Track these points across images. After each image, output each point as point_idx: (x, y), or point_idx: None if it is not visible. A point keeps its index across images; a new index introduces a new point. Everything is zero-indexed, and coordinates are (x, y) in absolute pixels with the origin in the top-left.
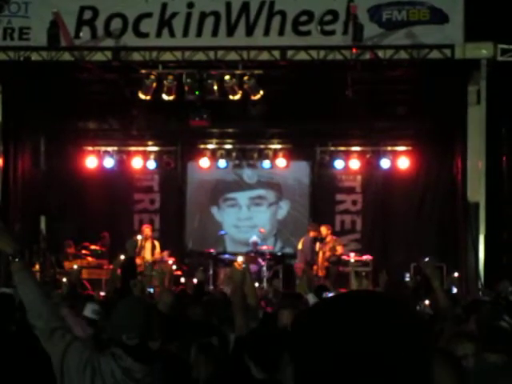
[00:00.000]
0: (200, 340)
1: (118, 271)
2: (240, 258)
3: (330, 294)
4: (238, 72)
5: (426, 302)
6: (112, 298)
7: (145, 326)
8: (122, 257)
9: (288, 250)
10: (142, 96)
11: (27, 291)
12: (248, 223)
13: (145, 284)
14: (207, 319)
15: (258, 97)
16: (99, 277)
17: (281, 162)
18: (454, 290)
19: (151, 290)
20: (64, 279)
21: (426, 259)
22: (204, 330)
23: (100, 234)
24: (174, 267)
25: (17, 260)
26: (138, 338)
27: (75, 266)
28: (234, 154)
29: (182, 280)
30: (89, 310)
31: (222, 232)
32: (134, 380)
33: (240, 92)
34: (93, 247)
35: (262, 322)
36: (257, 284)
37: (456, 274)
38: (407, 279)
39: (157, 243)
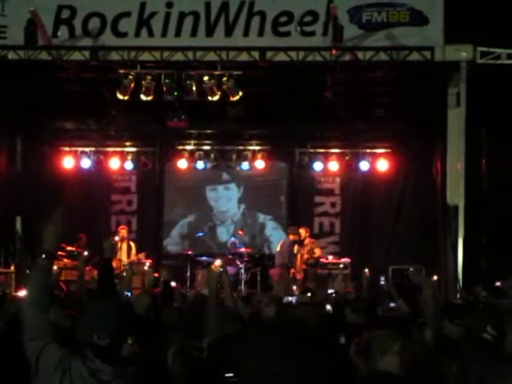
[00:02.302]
0: (176, 343)
1: (94, 272)
2: (217, 261)
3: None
4: (216, 73)
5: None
6: (84, 299)
7: (116, 326)
8: (86, 253)
9: (266, 252)
10: (120, 96)
11: (33, 290)
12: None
13: (123, 287)
14: (183, 322)
15: (236, 98)
16: (76, 278)
17: (259, 163)
18: None
19: (129, 294)
20: None
21: (411, 269)
22: (180, 333)
23: (76, 236)
24: (146, 268)
25: (45, 258)
26: (109, 338)
27: (55, 267)
28: (212, 156)
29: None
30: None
31: (200, 233)
32: (102, 382)
33: (219, 93)
34: (69, 248)
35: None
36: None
37: (435, 277)
38: (382, 282)
39: (133, 245)
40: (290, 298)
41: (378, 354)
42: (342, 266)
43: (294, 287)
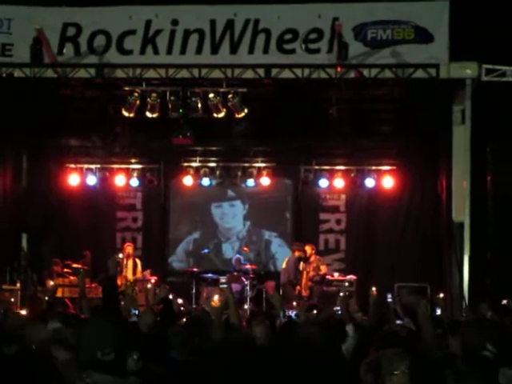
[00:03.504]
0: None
1: (100, 290)
2: (216, 296)
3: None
4: (222, 90)
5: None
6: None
7: (119, 340)
8: (84, 270)
9: (271, 269)
10: (125, 113)
11: None
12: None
13: (128, 304)
14: (188, 338)
15: (242, 115)
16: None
17: (265, 180)
18: (438, 312)
19: (136, 312)
20: (46, 297)
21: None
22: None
23: (82, 253)
24: (150, 285)
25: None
26: (113, 354)
27: (51, 283)
28: (217, 172)
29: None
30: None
31: (205, 250)
32: None
33: (224, 110)
34: (75, 265)
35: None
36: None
37: (441, 295)
38: (389, 300)
39: (138, 262)
40: (290, 313)
41: (387, 373)
42: (347, 283)
43: (295, 303)
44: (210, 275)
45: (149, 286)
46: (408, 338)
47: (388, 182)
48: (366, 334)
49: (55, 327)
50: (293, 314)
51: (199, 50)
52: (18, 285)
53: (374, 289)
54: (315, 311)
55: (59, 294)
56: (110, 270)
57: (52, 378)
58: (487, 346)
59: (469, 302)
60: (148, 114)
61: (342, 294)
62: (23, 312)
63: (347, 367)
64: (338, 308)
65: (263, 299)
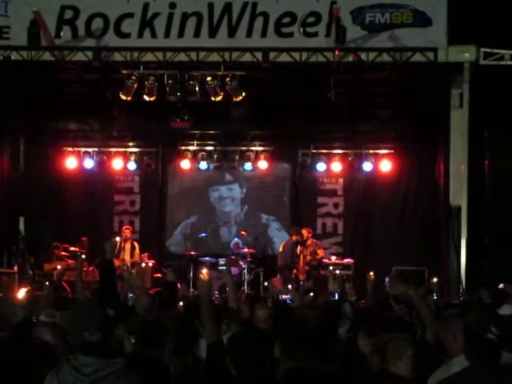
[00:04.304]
0: (172, 343)
1: (96, 273)
2: (205, 270)
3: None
4: (220, 73)
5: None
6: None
7: (105, 319)
8: (83, 256)
9: (269, 253)
10: (122, 97)
11: None
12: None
13: (125, 288)
14: (188, 322)
15: (239, 98)
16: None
17: (262, 164)
18: (434, 297)
19: (132, 295)
20: (47, 282)
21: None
22: (177, 334)
23: (79, 237)
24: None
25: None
26: (100, 332)
27: (59, 267)
28: (215, 156)
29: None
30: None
31: (203, 234)
32: (84, 375)
33: (222, 93)
34: (72, 249)
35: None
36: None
37: (435, 280)
38: (387, 284)
39: (136, 245)
40: (284, 297)
41: (392, 358)
42: (343, 266)
43: (290, 286)
44: (207, 259)
45: (146, 269)
46: (412, 324)
47: (386, 166)
48: (363, 317)
49: (47, 312)
50: (287, 298)
51: (197, 34)
52: (16, 268)
53: (371, 273)
54: (312, 294)
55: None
56: (107, 253)
57: (45, 360)
58: (491, 328)
59: (466, 286)
60: (146, 98)
61: (337, 274)
62: (21, 295)
63: (343, 349)
64: (335, 293)
65: (260, 283)
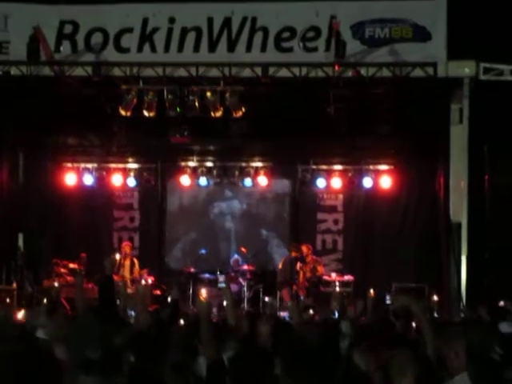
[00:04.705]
0: (173, 360)
1: (96, 289)
2: (204, 290)
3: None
4: (219, 88)
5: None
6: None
7: (106, 337)
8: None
9: (269, 269)
10: (122, 112)
11: None
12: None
13: (124, 304)
14: (188, 339)
15: (239, 114)
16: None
17: (262, 179)
18: (435, 315)
19: (132, 313)
20: (45, 299)
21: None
22: (177, 350)
23: (78, 253)
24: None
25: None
26: (100, 350)
27: (56, 284)
28: (214, 172)
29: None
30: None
31: (202, 251)
32: None
33: (221, 109)
34: (71, 266)
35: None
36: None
37: (435, 298)
38: (388, 301)
39: (136, 261)
40: (283, 314)
41: (396, 375)
42: (343, 283)
43: (289, 303)
44: (207, 275)
45: (145, 286)
46: (415, 341)
47: (386, 182)
48: (363, 333)
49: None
50: (285, 315)
51: (197, 48)
52: (15, 285)
53: (371, 291)
54: (311, 311)
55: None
56: (106, 270)
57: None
58: (495, 348)
59: (466, 303)
60: (145, 113)
61: (337, 293)
62: (21, 314)
63: (344, 366)
64: (335, 310)
65: (260, 300)
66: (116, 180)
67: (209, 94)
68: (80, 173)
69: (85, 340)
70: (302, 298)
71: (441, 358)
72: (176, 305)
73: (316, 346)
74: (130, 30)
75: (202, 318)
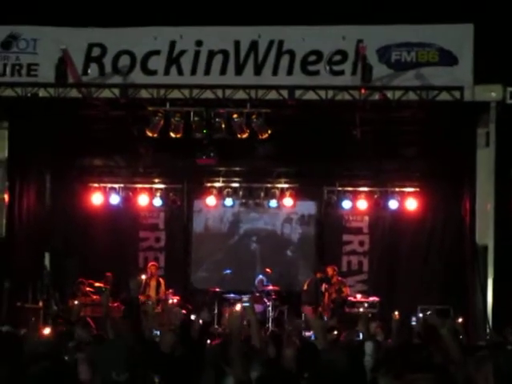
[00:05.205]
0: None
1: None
2: (238, 306)
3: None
4: (245, 111)
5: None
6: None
7: (133, 359)
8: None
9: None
10: (149, 133)
11: None
12: None
13: (150, 324)
14: (216, 360)
15: (265, 136)
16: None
17: (287, 201)
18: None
19: (158, 333)
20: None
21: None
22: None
23: (104, 273)
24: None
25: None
26: (127, 373)
27: (76, 302)
28: (240, 193)
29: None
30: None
31: (227, 271)
32: None
33: (248, 131)
34: (97, 285)
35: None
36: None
37: (460, 320)
38: (413, 323)
39: (162, 281)
40: (308, 334)
41: None
42: (369, 304)
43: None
44: (232, 295)
45: (170, 304)
46: (441, 365)
47: (411, 204)
48: (388, 355)
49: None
50: (311, 334)
51: (223, 71)
52: (41, 304)
53: (396, 313)
54: (335, 332)
55: (81, 313)
56: (132, 291)
57: None
58: None
59: (493, 326)
60: (172, 135)
61: (362, 314)
62: (46, 331)
63: None
64: (360, 331)
65: (284, 321)
66: (142, 200)
67: (235, 116)
68: (106, 193)
69: (112, 362)
70: (326, 318)
71: (469, 382)
72: (207, 326)
73: (343, 369)
74: (157, 53)
75: (234, 337)
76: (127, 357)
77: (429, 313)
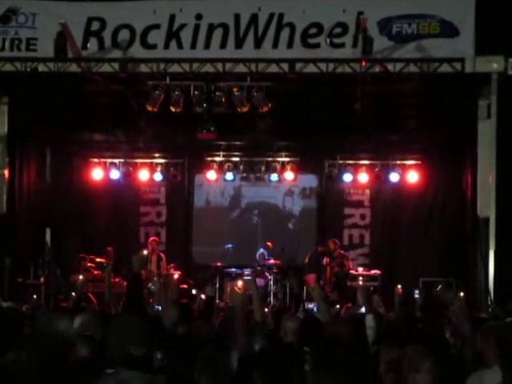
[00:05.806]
0: (205, 356)
1: (124, 284)
2: (240, 282)
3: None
4: (246, 84)
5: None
6: (114, 310)
7: (149, 336)
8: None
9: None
10: (149, 108)
11: None
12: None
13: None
14: (212, 335)
15: (266, 109)
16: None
17: (288, 175)
18: None
19: (159, 308)
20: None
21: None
22: (210, 346)
23: (105, 248)
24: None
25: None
26: (145, 348)
27: (81, 277)
28: (241, 167)
29: (193, 292)
30: (77, 323)
31: (228, 245)
32: None
33: (248, 105)
34: (98, 260)
35: (267, 337)
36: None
37: (461, 294)
38: (416, 296)
39: (163, 256)
40: (310, 306)
41: (410, 372)
42: (370, 278)
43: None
44: (233, 270)
45: (173, 280)
46: (436, 334)
47: (412, 177)
48: (389, 329)
49: (83, 321)
50: (313, 306)
51: (223, 45)
52: (42, 280)
53: (399, 286)
54: (338, 306)
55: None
56: (135, 267)
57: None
58: None
59: (494, 298)
60: (172, 109)
61: (361, 287)
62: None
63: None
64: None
65: (287, 294)
66: (143, 175)
67: (235, 89)
68: (107, 168)
69: (130, 336)
70: (328, 293)
71: (477, 357)
72: (211, 301)
73: (347, 342)
74: (156, 27)
75: (238, 311)
76: (146, 332)
77: (439, 287)
